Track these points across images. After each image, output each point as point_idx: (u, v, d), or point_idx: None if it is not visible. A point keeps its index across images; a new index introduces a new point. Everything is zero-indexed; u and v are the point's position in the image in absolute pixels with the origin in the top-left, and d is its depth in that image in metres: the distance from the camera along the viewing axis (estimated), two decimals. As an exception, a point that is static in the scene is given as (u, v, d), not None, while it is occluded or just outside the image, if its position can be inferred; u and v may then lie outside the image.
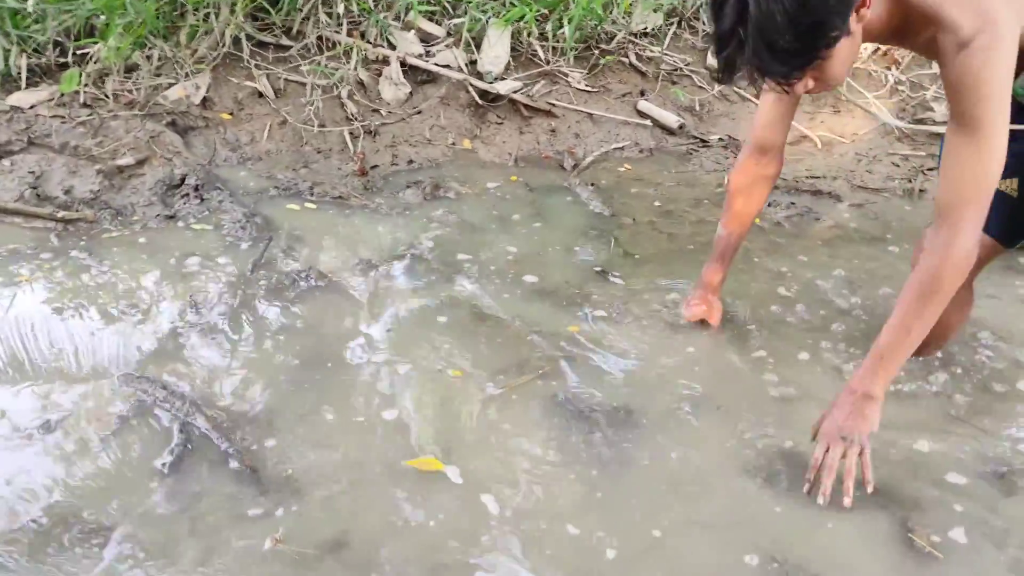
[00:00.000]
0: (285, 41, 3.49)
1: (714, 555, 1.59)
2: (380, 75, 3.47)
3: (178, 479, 1.70)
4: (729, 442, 1.86)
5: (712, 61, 3.69)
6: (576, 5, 3.48)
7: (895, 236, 2.77)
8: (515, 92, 3.36)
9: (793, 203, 2.95)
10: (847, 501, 1.61)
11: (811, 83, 1.50)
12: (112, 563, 1.52)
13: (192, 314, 2.21)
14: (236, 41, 3.37)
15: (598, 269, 2.45)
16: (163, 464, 1.74)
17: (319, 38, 3.48)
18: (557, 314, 2.24)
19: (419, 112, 3.34)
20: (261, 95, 3.32)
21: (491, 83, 3.37)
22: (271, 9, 3.38)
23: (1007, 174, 1.65)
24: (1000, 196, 1.64)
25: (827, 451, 1.65)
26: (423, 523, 1.61)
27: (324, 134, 3.20)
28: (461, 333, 2.15)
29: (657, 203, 2.88)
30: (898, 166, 3.26)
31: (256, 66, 3.37)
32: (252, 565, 1.51)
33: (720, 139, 3.32)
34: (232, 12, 3.27)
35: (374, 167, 3.07)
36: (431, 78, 3.46)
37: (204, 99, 3.24)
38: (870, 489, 1.64)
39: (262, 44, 3.48)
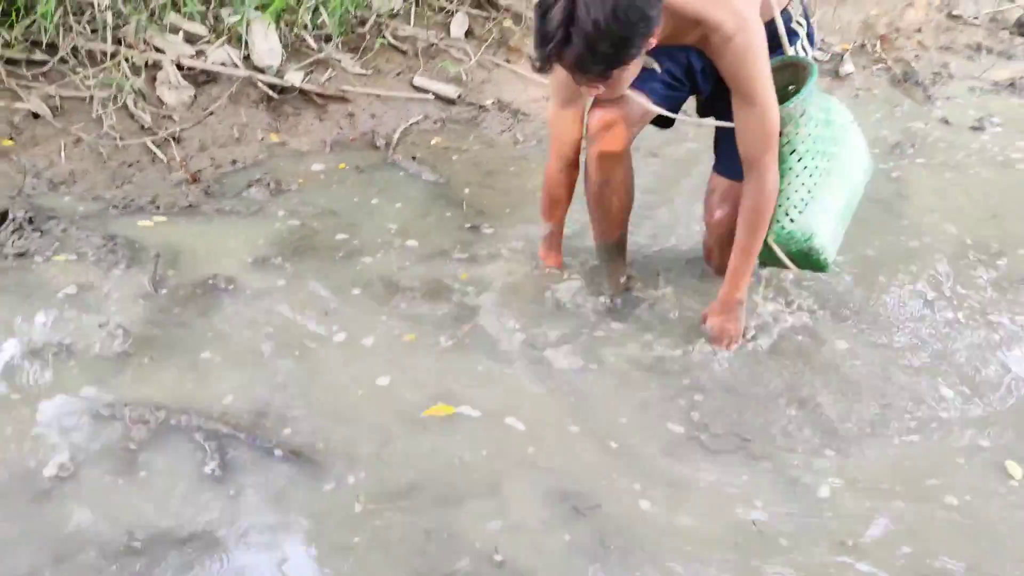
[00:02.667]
0: (38, 56, 3.29)
1: (659, 425, 2.10)
2: (155, 80, 3.41)
3: (235, 479, 1.83)
4: (634, 335, 2.38)
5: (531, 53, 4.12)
6: (335, -7, 3.70)
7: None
8: (304, 82, 3.52)
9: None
10: None
11: (602, 88, 1.90)
12: (231, 566, 1.65)
13: (123, 341, 2.22)
14: (-17, 61, 3.13)
15: (468, 225, 2.83)
16: (211, 470, 1.85)
17: (74, 49, 3.33)
18: (455, 266, 2.61)
19: (211, 114, 3.37)
20: (36, 116, 3.12)
21: (279, 77, 3.49)
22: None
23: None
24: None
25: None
26: (475, 453, 1.93)
27: (125, 148, 3.12)
28: (383, 302, 2.44)
29: (475, 165, 3.30)
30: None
31: (19, 85, 3.15)
32: (358, 528, 1.73)
33: (493, 102, 3.78)
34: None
35: (198, 171, 3.09)
36: (211, 78, 3.48)
37: (-27, 128, 2.99)
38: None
39: (11, 61, 3.25)
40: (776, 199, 2.12)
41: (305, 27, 3.74)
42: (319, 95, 3.55)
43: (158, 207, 2.84)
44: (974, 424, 2.12)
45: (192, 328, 2.30)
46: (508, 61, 4.04)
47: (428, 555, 1.67)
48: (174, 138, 3.21)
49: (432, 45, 4.00)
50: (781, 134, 2.09)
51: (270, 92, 3.46)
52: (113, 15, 3.37)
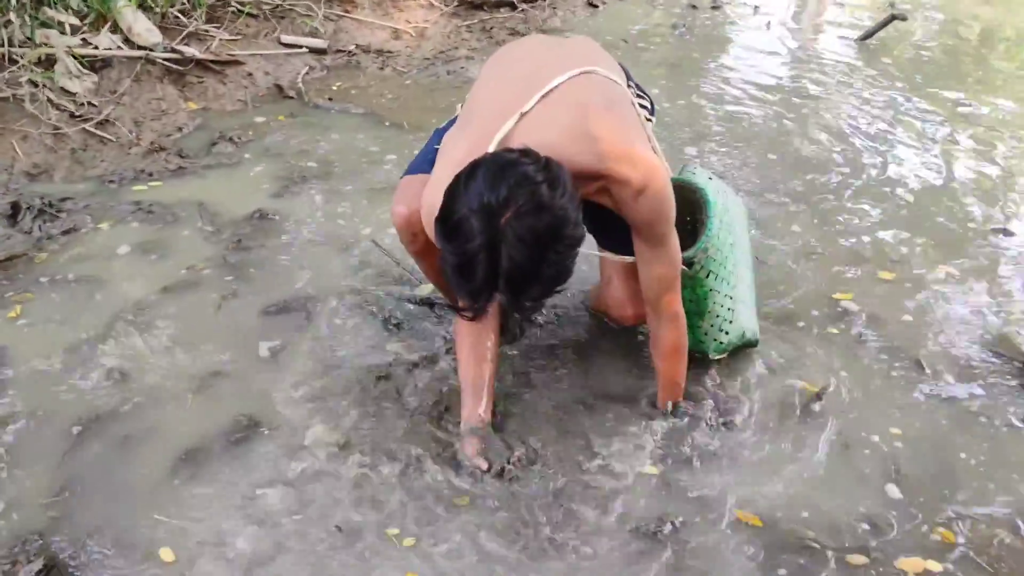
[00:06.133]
0: (-67, 67, 3.29)
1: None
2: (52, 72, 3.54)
3: (406, 324, 2.41)
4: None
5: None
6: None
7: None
8: (200, 53, 3.82)
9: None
10: None
11: None
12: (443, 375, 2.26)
13: (222, 272, 2.61)
14: None
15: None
16: (391, 320, 2.41)
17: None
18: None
19: (123, 94, 3.58)
20: (-35, 122, 3.18)
21: (171, 52, 3.76)
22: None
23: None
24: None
25: None
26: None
27: (66, 136, 3.29)
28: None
29: (380, 96, 3.87)
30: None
31: (-66, 96, 3.18)
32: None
33: (356, 47, 4.31)
34: None
35: (152, 141, 3.35)
36: (105, 63, 3.66)
37: (-85, 141, 3.02)
38: None
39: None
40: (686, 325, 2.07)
41: (171, 4, 3.99)
42: (213, 62, 3.87)
43: (150, 174, 3.13)
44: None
45: (268, 246, 2.73)
46: (347, 12, 4.56)
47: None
48: (105, 120, 3.42)
49: (277, 7, 4.40)
50: (691, 265, 2.11)
51: (171, 66, 3.73)
52: (-9, 17, 3.44)
